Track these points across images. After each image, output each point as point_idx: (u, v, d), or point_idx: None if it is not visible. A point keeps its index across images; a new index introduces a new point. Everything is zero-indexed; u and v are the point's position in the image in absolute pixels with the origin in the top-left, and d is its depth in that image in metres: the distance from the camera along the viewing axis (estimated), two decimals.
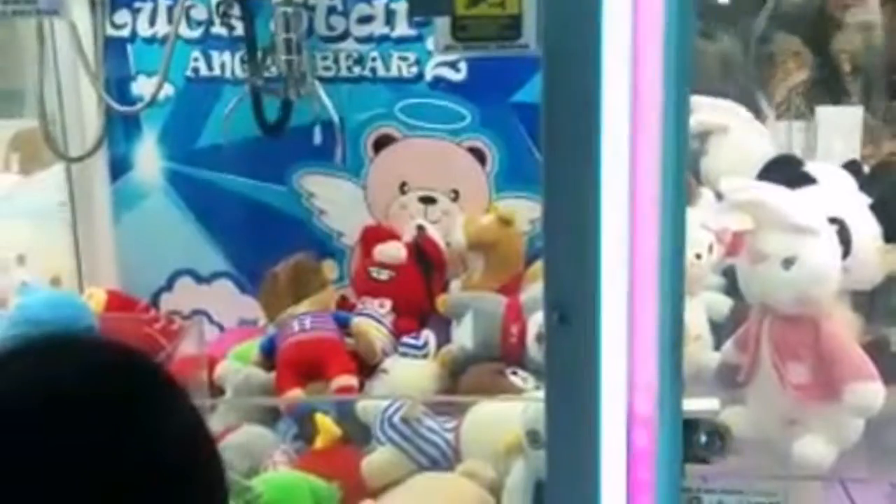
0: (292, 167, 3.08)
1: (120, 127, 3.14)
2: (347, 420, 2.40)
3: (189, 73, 3.07)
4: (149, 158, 3.15)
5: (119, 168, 3.17)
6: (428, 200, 3.06)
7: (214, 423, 2.39)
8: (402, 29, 2.96)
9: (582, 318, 1.12)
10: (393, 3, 2.96)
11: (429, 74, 2.98)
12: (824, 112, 2.94)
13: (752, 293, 2.18)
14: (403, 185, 3.07)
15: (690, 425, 1.20)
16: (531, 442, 2.04)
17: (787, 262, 2.05)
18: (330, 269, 3.01)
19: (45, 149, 3.05)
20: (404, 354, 2.76)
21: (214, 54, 3.05)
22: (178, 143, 3.13)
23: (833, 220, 2.13)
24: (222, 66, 3.05)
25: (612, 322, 1.12)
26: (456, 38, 1.67)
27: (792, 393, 2.10)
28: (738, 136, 2.78)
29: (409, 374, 2.68)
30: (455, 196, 3.05)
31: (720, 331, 2.36)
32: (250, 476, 2.22)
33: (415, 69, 2.98)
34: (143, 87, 3.08)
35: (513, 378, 2.51)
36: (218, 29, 3.02)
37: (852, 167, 2.48)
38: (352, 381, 2.61)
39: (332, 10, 2.99)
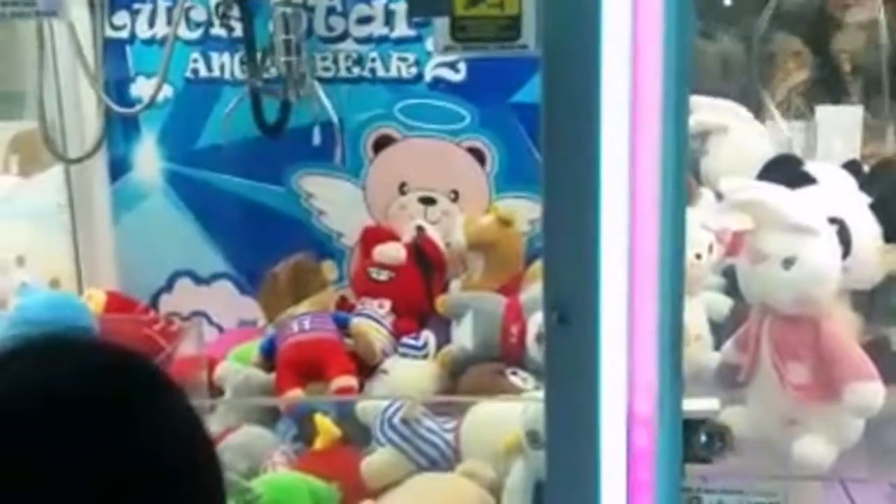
0: (292, 168, 3.08)
1: (119, 128, 3.14)
2: (347, 421, 2.40)
3: (188, 74, 3.07)
4: (148, 159, 3.15)
5: (118, 169, 3.17)
6: (427, 201, 3.06)
7: (214, 424, 2.39)
8: (402, 29, 2.96)
9: (582, 318, 1.12)
10: (392, 3, 2.96)
11: (428, 75, 2.98)
12: (824, 112, 2.95)
13: (752, 293, 2.18)
14: (403, 185, 3.07)
15: (690, 425, 1.20)
16: (531, 442, 2.04)
17: (787, 262, 2.05)
18: (329, 269, 3.01)
19: (44, 150, 3.05)
20: (404, 355, 2.76)
21: (214, 55, 3.05)
22: (178, 144, 3.13)
23: (833, 220, 2.13)
24: (221, 68, 3.05)
25: (612, 322, 1.12)
26: (455, 39, 1.67)
27: (792, 393, 2.10)
28: (737, 136, 2.78)
29: (409, 375, 2.68)
30: (455, 196, 3.05)
31: (720, 331, 2.36)
32: (250, 477, 2.22)
33: (414, 70, 2.98)
34: (142, 88, 3.08)
35: (512, 378, 2.51)
36: (217, 30, 3.02)
37: (852, 167, 2.48)
38: (351, 381, 2.61)
39: (331, 11, 2.99)
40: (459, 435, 2.29)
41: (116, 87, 3.11)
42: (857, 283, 2.26)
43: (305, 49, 2.91)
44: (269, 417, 2.59)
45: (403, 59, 2.98)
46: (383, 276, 2.97)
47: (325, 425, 2.35)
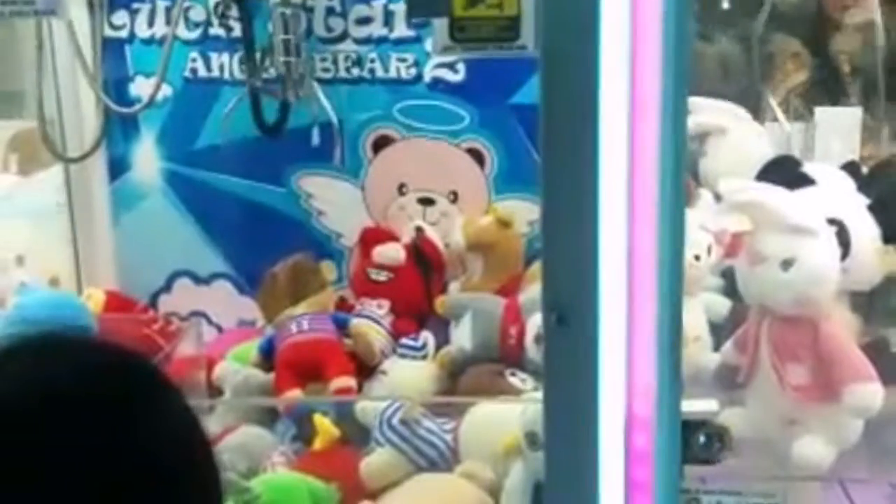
0: (291, 168, 3.08)
1: (118, 128, 3.14)
2: (346, 421, 2.40)
3: (187, 73, 3.07)
4: (147, 159, 3.15)
5: (117, 169, 3.17)
6: (427, 202, 3.06)
7: (213, 424, 2.39)
8: (401, 30, 2.96)
9: (580, 319, 1.12)
10: (391, 4, 2.96)
11: (427, 76, 2.98)
12: (823, 113, 2.94)
13: (750, 294, 2.18)
14: (402, 186, 3.07)
15: (689, 426, 1.20)
16: (530, 443, 2.04)
17: (786, 264, 2.05)
18: (328, 270, 3.01)
19: (43, 149, 3.05)
20: (403, 356, 2.76)
21: (213, 55, 3.05)
22: (177, 144, 3.13)
23: (832, 221, 2.13)
24: (221, 67, 3.05)
25: (611, 323, 1.12)
26: (454, 40, 1.67)
27: (791, 394, 2.10)
28: (736, 137, 2.78)
29: (408, 376, 2.68)
30: (454, 197, 3.05)
31: (719, 332, 2.35)
32: (249, 477, 2.22)
33: (413, 70, 2.98)
34: (141, 87, 3.08)
35: (511, 379, 2.51)
36: (216, 30, 3.02)
37: (851, 168, 2.48)
38: (350, 382, 2.61)
39: (330, 12, 2.99)
40: (458, 436, 2.29)
41: (115, 86, 3.11)
42: (855, 285, 2.26)
43: (305, 49, 2.91)
44: (268, 418, 2.59)
45: (402, 60, 2.98)
46: (382, 276, 2.97)
47: (325, 426, 2.35)
